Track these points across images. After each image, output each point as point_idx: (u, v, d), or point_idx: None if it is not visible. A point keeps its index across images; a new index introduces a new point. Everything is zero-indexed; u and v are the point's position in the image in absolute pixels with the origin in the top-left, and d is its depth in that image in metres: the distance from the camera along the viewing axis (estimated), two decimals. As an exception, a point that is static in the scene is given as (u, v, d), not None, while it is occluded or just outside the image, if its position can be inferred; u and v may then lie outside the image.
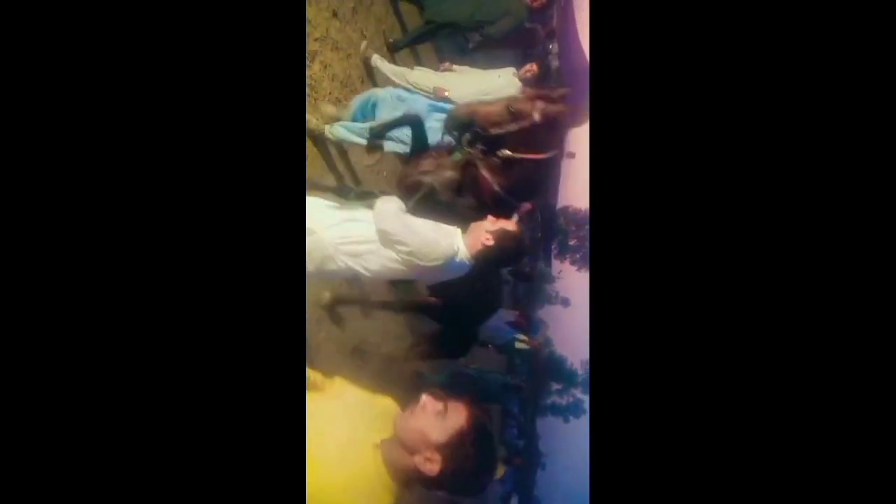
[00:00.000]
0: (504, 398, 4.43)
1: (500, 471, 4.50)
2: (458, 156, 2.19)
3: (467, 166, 2.15)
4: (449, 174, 2.16)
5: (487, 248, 1.72)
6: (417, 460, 0.95)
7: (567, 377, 22.01)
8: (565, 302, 21.54)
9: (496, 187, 2.11)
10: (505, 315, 4.19)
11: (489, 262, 1.83)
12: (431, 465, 0.95)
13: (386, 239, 1.68)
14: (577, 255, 18.76)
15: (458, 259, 1.75)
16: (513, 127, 2.06)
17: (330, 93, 3.06)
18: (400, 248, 1.68)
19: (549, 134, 2.13)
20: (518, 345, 4.24)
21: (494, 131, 2.08)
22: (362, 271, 1.72)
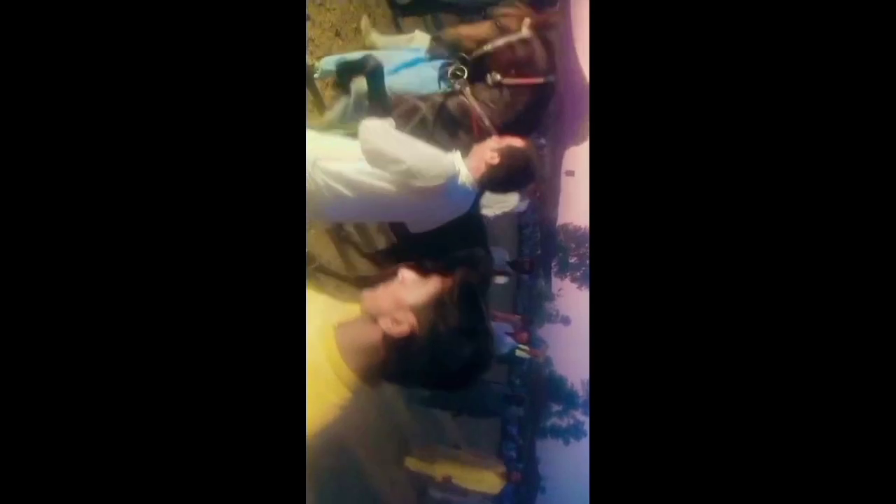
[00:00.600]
0: (504, 410, 4.33)
1: (499, 485, 4.35)
2: (443, 87, 1.94)
3: (456, 100, 1.91)
4: (436, 110, 1.91)
5: (493, 168, 1.50)
6: (383, 324, 0.76)
7: (567, 398, 21.74)
8: (565, 320, 21.43)
9: (487, 122, 1.89)
10: (504, 326, 4.13)
11: (496, 185, 1.61)
12: (400, 327, 0.75)
13: (377, 158, 1.44)
14: (578, 273, 18.74)
15: (460, 182, 1.52)
16: (500, 42, 1.87)
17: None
18: (394, 166, 1.43)
19: (541, 53, 1.92)
20: (519, 353, 4.17)
21: (482, 50, 1.88)
22: (345, 191, 1.47)
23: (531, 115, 2.02)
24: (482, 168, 1.51)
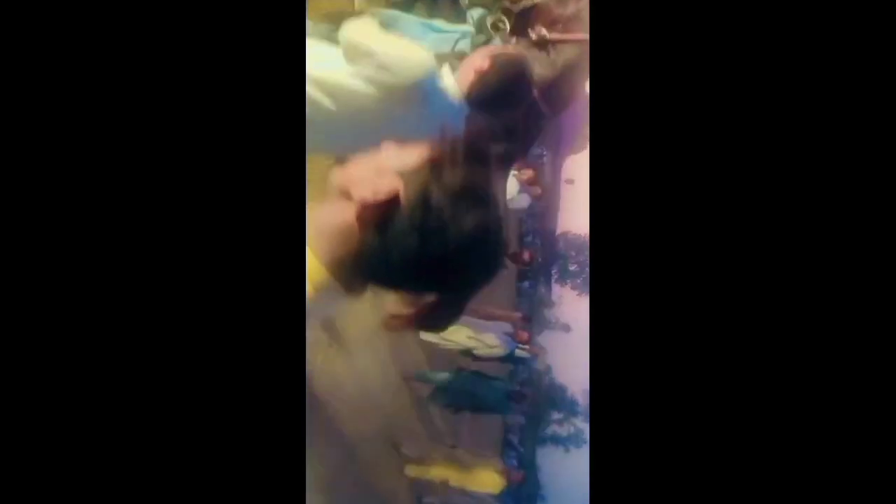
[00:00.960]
0: (506, 407, 4.37)
1: (500, 484, 4.37)
2: (459, 47, 1.76)
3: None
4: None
5: (483, 75, 1.34)
6: (359, 193, 0.59)
7: (568, 406, 21.63)
8: (566, 327, 21.41)
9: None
10: (503, 325, 4.20)
11: (486, 100, 1.39)
12: (379, 195, 0.58)
13: (352, 51, 1.29)
14: (578, 281, 18.79)
15: (441, 86, 1.34)
16: None
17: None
18: (366, 60, 1.27)
19: (585, 6, 1.73)
20: (518, 352, 4.25)
21: (527, 1, 1.71)
22: (327, 102, 1.31)
23: (575, 77, 1.83)
24: (471, 77, 1.35)
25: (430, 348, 4.32)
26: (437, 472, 4.13)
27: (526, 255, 4.44)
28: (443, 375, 3.96)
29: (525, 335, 4.27)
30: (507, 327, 4.12)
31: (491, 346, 3.86)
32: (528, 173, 4.49)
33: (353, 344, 3.50)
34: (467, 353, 4.07)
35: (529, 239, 14.56)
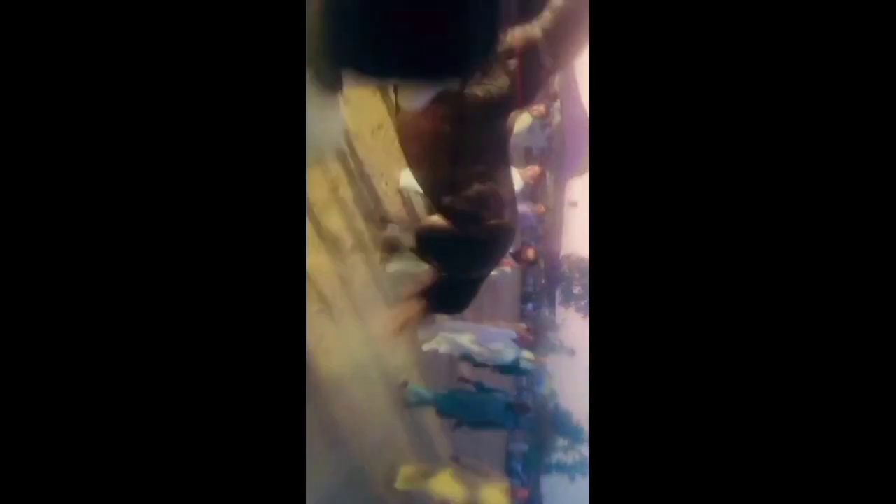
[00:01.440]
0: (508, 420, 4.27)
1: (505, 498, 4.23)
2: None
3: None
4: None
5: None
6: None
7: (573, 433, 21.13)
8: (570, 352, 21.13)
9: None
10: (509, 332, 4.14)
11: None
12: None
13: None
14: (582, 303, 18.67)
15: None
16: None
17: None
18: None
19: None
20: (524, 364, 4.20)
21: None
22: None
23: (575, 26, 1.80)
24: None
25: (429, 356, 4.25)
26: (438, 487, 4.03)
27: (530, 253, 4.39)
28: (437, 393, 3.88)
29: (531, 338, 4.21)
30: (512, 334, 4.08)
31: (495, 350, 3.83)
32: (539, 109, 4.53)
33: (351, 352, 3.50)
34: (468, 358, 4.02)
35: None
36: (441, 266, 2.39)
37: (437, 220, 2.13)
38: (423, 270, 2.29)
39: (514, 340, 4.06)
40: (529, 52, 1.73)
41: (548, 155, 10.43)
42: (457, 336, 3.85)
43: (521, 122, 4.22)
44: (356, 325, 3.51)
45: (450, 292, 2.41)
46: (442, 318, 3.87)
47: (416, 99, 1.70)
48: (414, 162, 1.97)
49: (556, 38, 1.75)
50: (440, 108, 1.77)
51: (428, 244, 2.25)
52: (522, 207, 5.31)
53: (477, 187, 1.92)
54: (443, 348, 3.93)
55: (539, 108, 4.77)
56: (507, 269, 4.17)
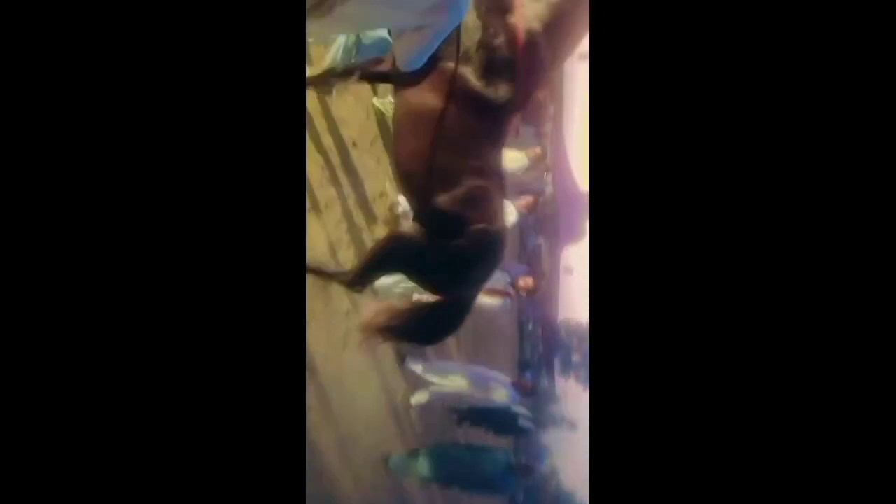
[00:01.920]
0: (509, 484, 3.92)
1: None
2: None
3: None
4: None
5: None
6: None
7: (577, 517, 19.47)
8: (572, 426, 20.10)
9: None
10: (506, 380, 3.97)
11: None
12: None
13: None
14: (582, 373, 18.14)
15: None
16: None
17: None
18: None
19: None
20: (522, 422, 3.99)
21: None
22: None
23: (574, 19, 1.90)
24: None
25: (418, 411, 3.99)
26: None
27: (529, 282, 4.30)
28: (423, 457, 3.52)
29: (528, 385, 4.03)
30: (507, 379, 3.93)
31: (488, 391, 3.65)
32: (527, 199, 4.60)
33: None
34: (459, 399, 3.79)
35: (530, 328, 14.39)
36: (415, 281, 2.11)
37: (411, 227, 1.93)
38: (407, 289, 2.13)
39: (512, 384, 3.92)
40: (529, 46, 1.76)
41: (542, 220, 10.76)
42: (445, 379, 3.69)
43: (516, 161, 4.38)
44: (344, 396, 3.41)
45: (428, 317, 2.10)
46: (427, 363, 3.72)
47: (412, 55, 1.64)
48: (405, 154, 1.85)
49: (555, 33, 1.84)
50: (437, 93, 1.73)
51: (398, 254, 1.97)
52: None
53: (469, 183, 1.80)
54: (433, 398, 3.76)
55: (528, 201, 4.95)
56: (503, 300, 4.06)
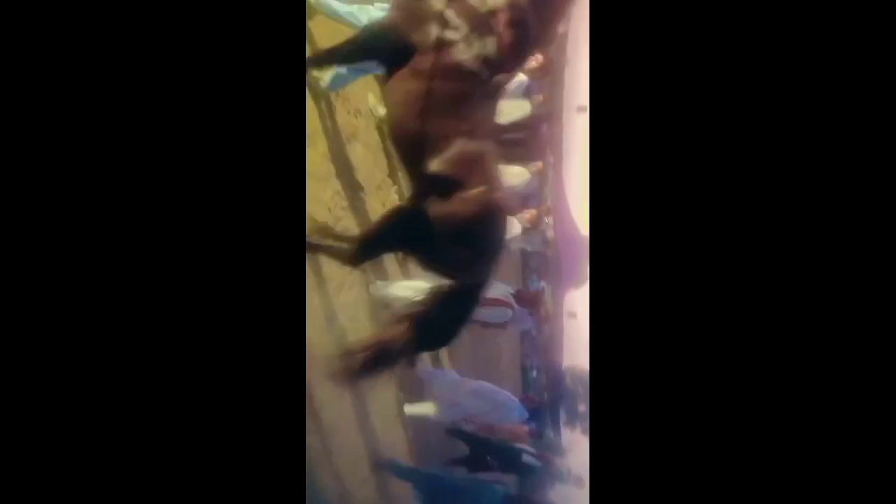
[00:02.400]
0: None
1: None
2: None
3: None
4: None
5: None
6: None
7: (588, 586, 17.96)
8: (578, 481, 19.10)
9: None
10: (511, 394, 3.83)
11: None
12: None
13: None
14: (588, 423, 17.50)
15: None
16: None
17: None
18: None
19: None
20: (526, 458, 3.85)
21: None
22: None
23: None
24: None
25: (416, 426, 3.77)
26: None
27: (533, 294, 4.22)
28: (421, 470, 3.43)
29: (537, 400, 3.87)
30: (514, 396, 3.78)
31: (498, 402, 3.52)
32: (530, 212, 4.60)
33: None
34: (464, 413, 3.65)
35: (534, 374, 14.02)
36: (422, 260, 2.11)
37: (411, 201, 1.98)
38: (412, 293, 2.08)
39: (521, 400, 3.80)
40: (515, 13, 1.85)
41: (544, 263, 10.84)
42: (450, 393, 3.59)
43: (518, 175, 4.44)
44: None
45: (433, 321, 2.07)
46: (433, 372, 3.63)
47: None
48: (397, 125, 1.94)
49: (542, 3, 1.91)
50: (422, 66, 1.83)
51: (400, 228, 2.02)
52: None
53: (461, 145, 1.84)
54: (432, 413, 3.65)
55: (532, 215, 5.14)
56: (508, 311, 3.96)
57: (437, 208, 1.92)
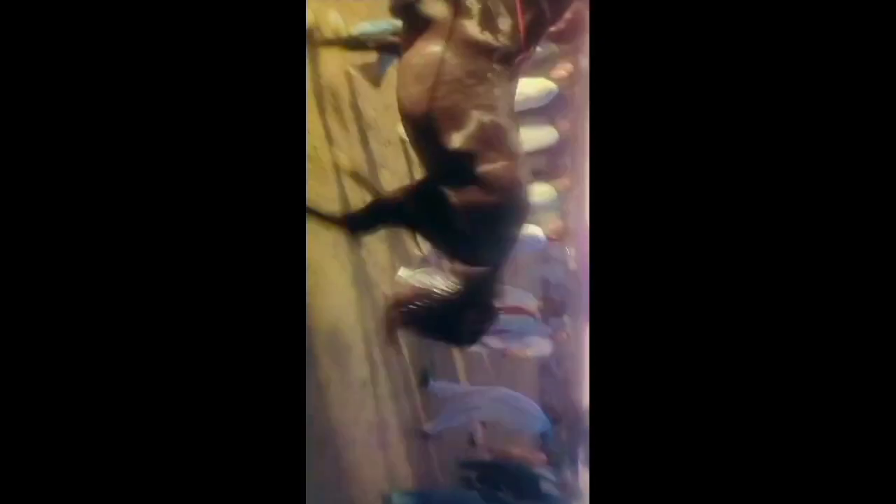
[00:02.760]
0: None
1: None
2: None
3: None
4: None
5: None
6: None
7: None
8: (598, 529, 17.82)
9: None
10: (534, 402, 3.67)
11: None
12: None
13: None
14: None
15: None
16: None
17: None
18: None
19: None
20: (544, 486, 3.68)
21: None
22: None
23: None
24: None
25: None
26: None
27: (556, 302, 4.11)
28: (427, 491, 3.31)
29: (543, 456, 3.75)
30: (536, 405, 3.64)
31: (519, 409, 3.40)
32: (555, 223, 4.51)
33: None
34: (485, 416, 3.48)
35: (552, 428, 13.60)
36: (435, 241, 2.09)
37: (421, 180, 1.96)
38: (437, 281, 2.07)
39: (543, 409, 3.67)
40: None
41: (566, 296, 10.69)
42: (468, 399, 3.48)
43: (545, 194, 4.43)
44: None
45: (450, 310, 2.00)
46: (449, 385, 3.53)
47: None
48: (408, 100, 1.95)
49: None
50: (435, 44, 1.88)
51: (410, 203, 1.99)
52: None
53: (479, 118, 1.85)
54: (450, 421, 3.53)
55: (557, 227, 5.15)
56: (530, 319, 3.87)
57: (453, 185, 1.89)
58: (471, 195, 1.89)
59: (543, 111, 4.69)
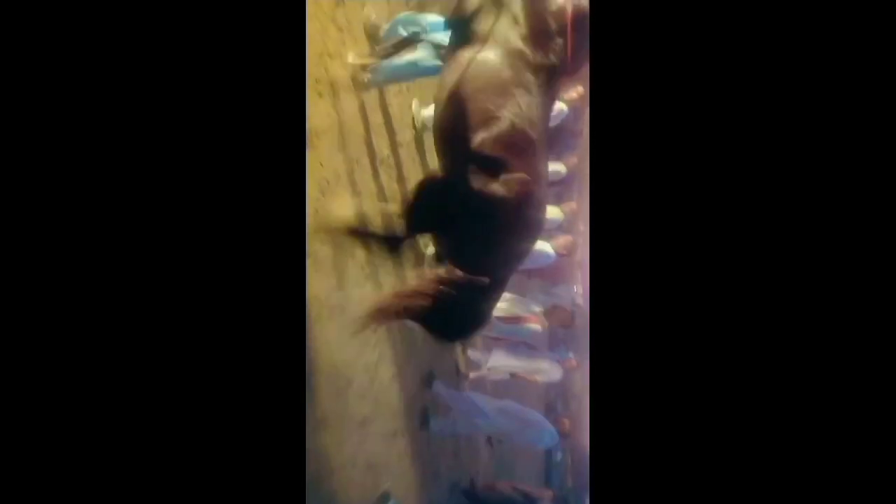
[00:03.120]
0: None
1: None
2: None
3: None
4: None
5: None
6: None
7: None
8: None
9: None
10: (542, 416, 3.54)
11: None
12: None
13: None
14: (616, 518, 15.61)
15: None
16: None
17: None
18: None
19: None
20: None
21: None
22: None
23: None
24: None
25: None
26: None
27: (564, 312, 3.98)
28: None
29: (567, 423, 3.62)
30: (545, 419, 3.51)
31: (527, 420, 3.28)
32: (565, 238, 4.50)
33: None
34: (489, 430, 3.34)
35: (559, 457, 13.09)
36: (438, 243, 1.95)
37: (438, 173, 1.85)
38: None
39: (551, 424, 3.57)
40: (580, 21, 1.88)
41: (573, 338, 10.53)
42: (476, 406, 3.38)
43: (551, 214, 4.43)
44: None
45: (451, 305, 1.86)
46: (454, 392, 3.38)
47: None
48: (442, 99, 1.88)
49: None
50: (494, 45, 1.84)
51: (423, 208, 1.84)
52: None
53: (509, 120, 1.77)
54: (456, 427, 3.41)
55: (566, 241, 5.11)
56: (538, 327, 3.74)
57: (474, 185, 1.76)
58: (490, 196, 1.80)
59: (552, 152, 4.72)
